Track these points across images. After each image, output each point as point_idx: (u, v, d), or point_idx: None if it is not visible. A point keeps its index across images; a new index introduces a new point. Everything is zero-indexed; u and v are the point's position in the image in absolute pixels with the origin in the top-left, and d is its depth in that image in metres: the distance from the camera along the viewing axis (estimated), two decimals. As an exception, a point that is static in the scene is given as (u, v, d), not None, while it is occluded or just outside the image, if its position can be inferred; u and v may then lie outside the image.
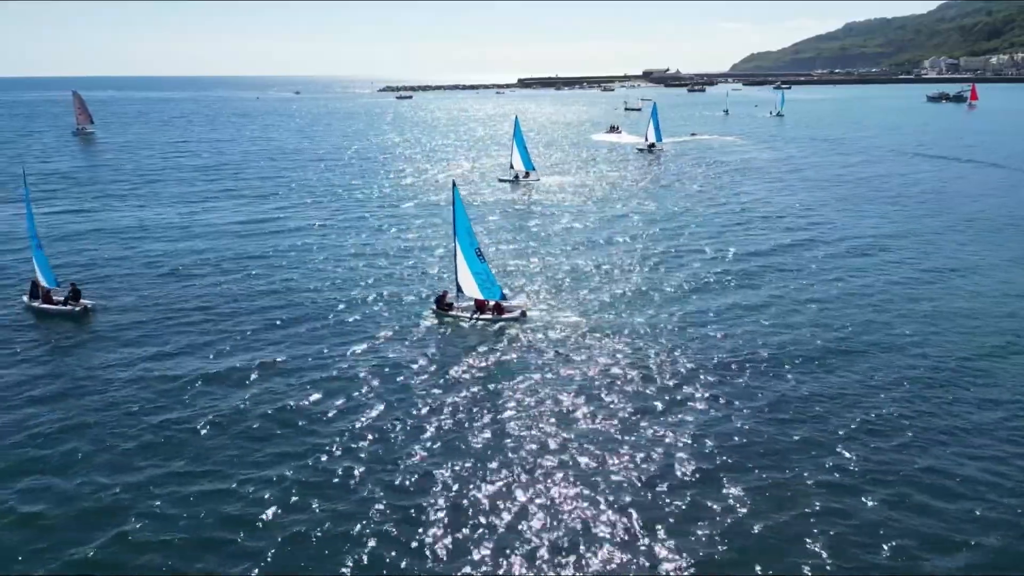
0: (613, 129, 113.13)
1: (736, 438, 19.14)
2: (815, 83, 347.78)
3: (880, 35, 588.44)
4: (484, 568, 14.47)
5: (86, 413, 20.65)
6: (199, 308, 29.59)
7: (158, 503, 16.49)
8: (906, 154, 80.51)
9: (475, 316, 28.17)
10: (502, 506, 16.32)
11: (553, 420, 20.13)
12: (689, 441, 18.98)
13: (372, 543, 15.14)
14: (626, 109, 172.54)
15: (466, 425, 19.87)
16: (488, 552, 14.88)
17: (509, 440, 19.08)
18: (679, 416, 20.34)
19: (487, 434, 19.36)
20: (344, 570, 14.46)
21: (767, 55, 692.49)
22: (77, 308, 29.19)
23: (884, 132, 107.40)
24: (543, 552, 14.87)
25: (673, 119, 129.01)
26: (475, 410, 20.72)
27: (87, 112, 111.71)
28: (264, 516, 15.99)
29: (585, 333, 26.46)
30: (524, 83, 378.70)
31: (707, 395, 21.56)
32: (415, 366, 23.71)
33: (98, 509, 16.34)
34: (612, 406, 20.92)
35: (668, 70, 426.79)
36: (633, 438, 19.13)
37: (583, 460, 18.11)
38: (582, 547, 15.00)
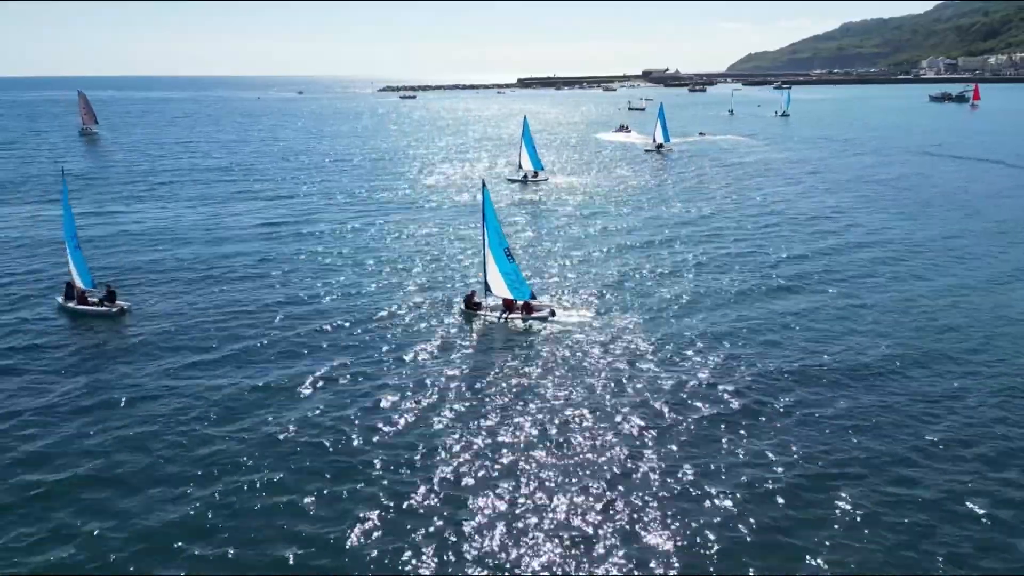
0: (622, 128, 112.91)
1: (790, 453, 18.69)
2: (814, 83, 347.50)
3: (877, 35, 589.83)
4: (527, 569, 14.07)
5: (139, 424, 20.11)
6: (234, 313, 29.07)
7: (220, 522, 16.02)
8: (920, 154, 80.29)
9: (504, 316, 28.02)
10: (532, 506, 16.51)
11: (586, 422, 20.16)
12: (724, 452, 18.61)
13: (428, 549, 14.82)
14: (630, 109, 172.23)
15: (496, 426, 20.02)
16: (516, 553, 14.97)
17: (539, 441, 19.19)
18: (715, 428, 19.86)
19: (517, 435, 19.47)
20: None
21: (764, 55, 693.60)
22: (114, 309, 28.70)
23: (893, 132, 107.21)
24: (571, 551, 14.94)
25: (679, 119, 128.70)
26: (505, 412, 20.78)
27: (92, 112, 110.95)
28: (320, 530, 15.64)
29: (616, 336, 26.19)
30: (524, 83, 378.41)
31: (768, 407, 21.12)
32: (454, 372, 23.51)
33: (162, 525, 15.86)
34: (644, 410, 20.68)
35: (668, 70, 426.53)
36: (664, 448, 18.79)
37: (614, 466, 17.98)
38: (620, 550, 14.82)
